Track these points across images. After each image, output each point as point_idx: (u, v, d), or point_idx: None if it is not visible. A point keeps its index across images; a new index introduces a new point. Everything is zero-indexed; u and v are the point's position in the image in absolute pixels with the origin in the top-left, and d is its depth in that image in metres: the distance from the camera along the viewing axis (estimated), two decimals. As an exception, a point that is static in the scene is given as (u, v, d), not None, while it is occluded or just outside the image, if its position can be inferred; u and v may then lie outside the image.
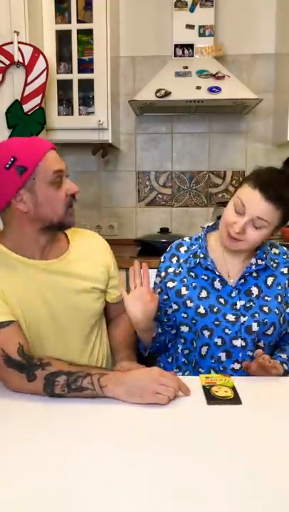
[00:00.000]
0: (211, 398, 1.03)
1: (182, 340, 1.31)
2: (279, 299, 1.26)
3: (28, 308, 1.19)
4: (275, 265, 1.30)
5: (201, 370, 1.26)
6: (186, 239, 1.38)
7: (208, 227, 1.38)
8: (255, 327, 1.23)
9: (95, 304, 1.32)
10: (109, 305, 1.42)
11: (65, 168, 1.22)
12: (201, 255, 1.28)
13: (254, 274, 1.28)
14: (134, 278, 1.23)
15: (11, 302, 1.16)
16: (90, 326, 1.31)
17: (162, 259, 1.38)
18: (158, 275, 1.37)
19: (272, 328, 1.24)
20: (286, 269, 1.30)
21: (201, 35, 2.45)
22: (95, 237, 1.43)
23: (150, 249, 2.35)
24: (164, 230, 2.56)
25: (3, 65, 2.07)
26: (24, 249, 1.21)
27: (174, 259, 1.34)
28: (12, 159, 1.12)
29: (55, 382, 1.02)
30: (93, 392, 1.01)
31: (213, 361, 1.25)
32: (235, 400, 1.02)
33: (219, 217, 2.58)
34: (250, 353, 1.23)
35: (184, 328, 1.28)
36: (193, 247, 1.33)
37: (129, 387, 1.00)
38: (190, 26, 2.44)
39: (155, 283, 1.38)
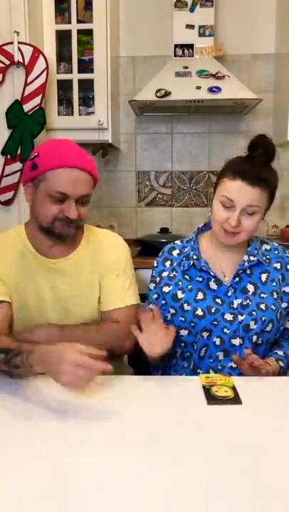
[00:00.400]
0: (211, 398, 1.03)
1: (182, 344, 1.30)
2: (275, 295, 1.26)
3: (20, 296, 1.25)
4: (267, 261, 1.30)
5: (199, 370, 1.26)
6: (178, 242, 1.37)
7: (198, 228, 1.38)
8: (253, 325, 1.23)
9: (89, 311, 1.30)
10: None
11: (80, 195, 1.17)
12: (194, 257, 1.28)
13: (248, 272, 1.28)
14: (146, 324, 1.14)
15: (7, 286, 1.24)
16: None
17: (155, 264, 1.36)
18: (153, 281, 1.35)
19: (270, 325, 1.24)
20: (278, 264, 1.31)
21: (201, 35, 2.45)
22: (108, 239, 1.36)
23: (150, 249, 2.35)
24: (164, 230, 2.56)
25: (3, 65, 2.07)
26: (35, 240, 1.26)
27: (168, 263, 1.33)
28: (36, 154, 1.18)
29: None
30: (26, 370, 1.01)
31: (211, 361, 1.25)
32: (236, 399, 1.02)
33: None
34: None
35: (183, 332, 1.27)
36: (186, 250, 1.33)
37: (49, 367, 0.97)
38: (190, 26, 2.44)
39: (150, 289, 1.36)
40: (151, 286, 1.35)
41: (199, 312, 1.24)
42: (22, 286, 1.25)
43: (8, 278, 1.25)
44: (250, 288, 1.26)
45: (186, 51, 2.46)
